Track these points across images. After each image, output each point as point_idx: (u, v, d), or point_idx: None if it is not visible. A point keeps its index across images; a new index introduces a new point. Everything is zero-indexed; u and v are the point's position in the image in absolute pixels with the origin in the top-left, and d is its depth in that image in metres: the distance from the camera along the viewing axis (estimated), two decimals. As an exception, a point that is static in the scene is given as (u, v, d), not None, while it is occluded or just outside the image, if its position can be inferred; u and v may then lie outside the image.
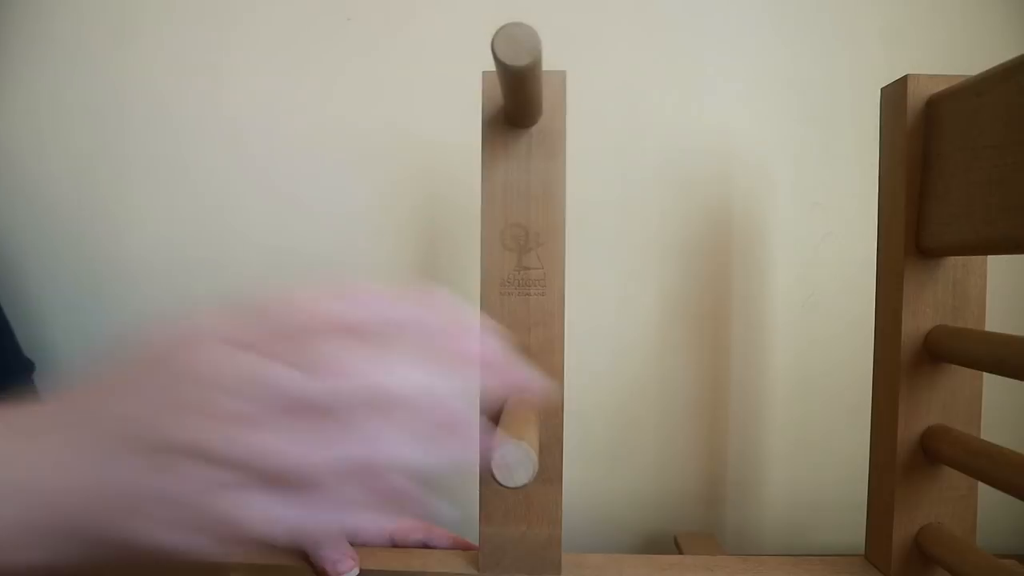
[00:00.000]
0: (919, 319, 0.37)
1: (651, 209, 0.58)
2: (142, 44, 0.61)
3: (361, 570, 0.40)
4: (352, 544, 0.37)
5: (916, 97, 0.36)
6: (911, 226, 0.36)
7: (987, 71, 0.31)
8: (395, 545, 0.41)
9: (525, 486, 0.28)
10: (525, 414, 0.34)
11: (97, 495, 0.18)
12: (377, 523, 0.19)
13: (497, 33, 0.25)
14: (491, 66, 0.28)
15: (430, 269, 0.60)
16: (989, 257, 0.36)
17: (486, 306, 0.38)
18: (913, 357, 0.37)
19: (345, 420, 0.17)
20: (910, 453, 0.37)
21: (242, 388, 0.18)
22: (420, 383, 0.18)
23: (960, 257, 0.36)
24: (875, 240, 0.40)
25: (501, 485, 0.28)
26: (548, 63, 0.31)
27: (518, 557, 0.39)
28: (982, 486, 0.35)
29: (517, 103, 0.33)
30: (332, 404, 0.17)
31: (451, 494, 0.65)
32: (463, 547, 0.41)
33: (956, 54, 0.56)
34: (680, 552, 0.53)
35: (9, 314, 0.61)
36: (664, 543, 0.60)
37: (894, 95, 0.37)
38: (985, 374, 0.36)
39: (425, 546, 0.42)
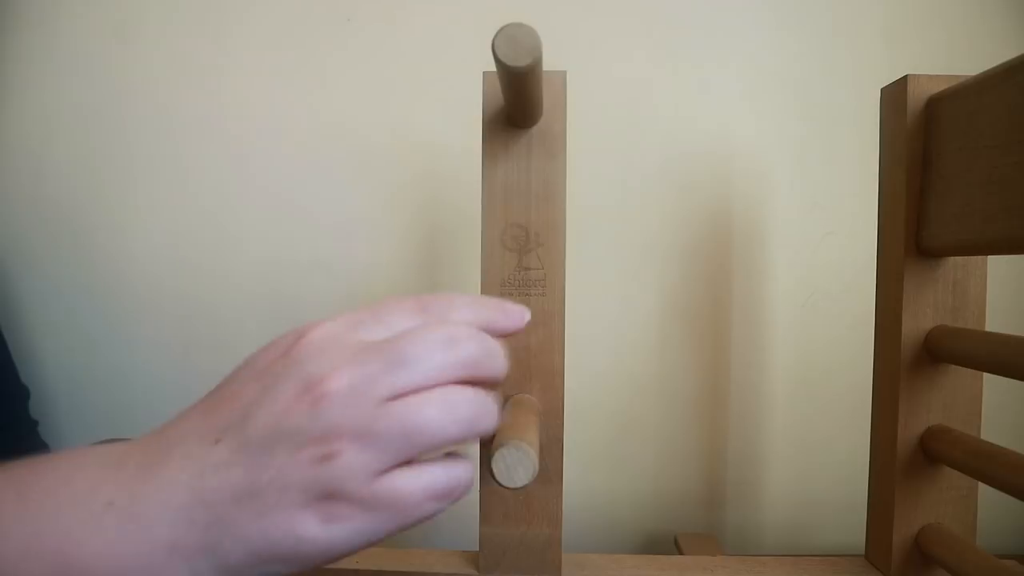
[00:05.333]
0: (919, 319, 0.37)
1: (651, 209, 0.58)
2: (143, 46, 0.61)
3: (361, 570, 0.40)
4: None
5: (916, 97, 0.36)
6: (911, 226, 0.36)
7: (987, 71, 0.31)
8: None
9: (525, 487, 0.28)
10: (525, 415, 0.34)
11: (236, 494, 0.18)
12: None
13: (498, 34, 0.25)
14: (492, 66, 0.28)
15: (431, 270, 0.60)
16: (989, 257, 0.36)
17: (486, 306, 0.38)
18: (913, 357, 0.37)
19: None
20: (910, 453, 0.37)
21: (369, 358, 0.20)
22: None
23: (960, 257, 0.36)
24: (875, 240, 0.40)
25: (501, 486, 0.28)
26: (548, 63, 0.31)
27: (518, 557, 0.39)
28: (982, 486, 0.35)
29: (517, 103, 0.33)
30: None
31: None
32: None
33: (956, 54, 0.56)
34: (680, 552, 0.53)
35: (8, 316, 0.62)
36: (664, 543, 0.60)
37: (894, 95, 0.37)
38: (985, 374, 0.36)
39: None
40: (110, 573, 0.17)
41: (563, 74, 0.37)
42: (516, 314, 0.24)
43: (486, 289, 0.38)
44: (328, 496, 0.18)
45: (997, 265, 0.37)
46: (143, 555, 0.18)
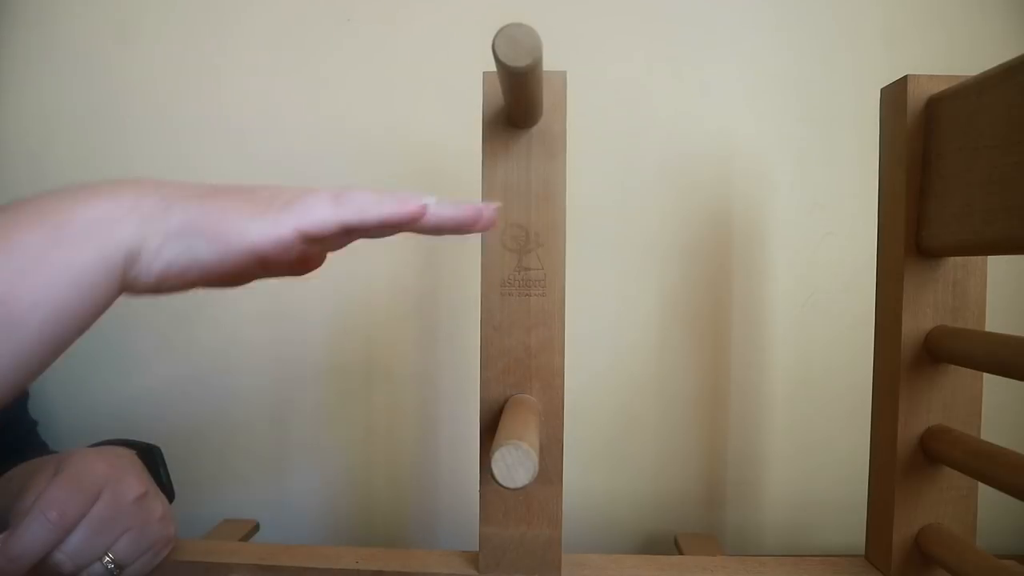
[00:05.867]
0: (919, 319, 0.37)
1: (651, 209, 0.58)
2: (144, 46, 0.61)
3: (361, 571, 0.40)
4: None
5: (916, 97, 0.36)
6: (911, 226, 0.36)
7: (987, 71, 0.31)
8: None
9: (525, 487, 0.28)
10: (525, 415, 0.34)
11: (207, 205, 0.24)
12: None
13: (498, 34, 0.25)
14: (492, 66, 0.28)
15: (430, 269, 0.60)
16: (989, 257, 0.36)
17: (486, 306, 0.38)
18: (913, 357, 0.37)
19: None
20: (910, 453, 0.37)
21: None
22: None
23: (960, 257, 0.36)
24: (875, 240, 0.40)
25: (501, 486, 0.28)
26: (548, 63, 0.31)
27: (518, 557, 0.39)
28: (982, 486, 0.35)
29: (518, 103, 0.33)
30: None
31: (451, 494, 0.65)
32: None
33: (956, 54, 0.56)
34: (680, 552, 0.53)
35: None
36: (664, 543, 0.60)
37: (894, 95, 0.37)
38: (985, 374, 0.36)
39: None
40: (85, 216, 0.22)
41: (563, 74, 0.37)
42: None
43: (486, 289, 0.38)
44: (277, 210, 0.24)
45: (997, 265, 0.37)
46: (110, 208, 0.23)
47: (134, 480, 0.38)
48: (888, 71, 0.39)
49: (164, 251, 0.23)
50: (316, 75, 0.60)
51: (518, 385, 0.38)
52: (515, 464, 0.28)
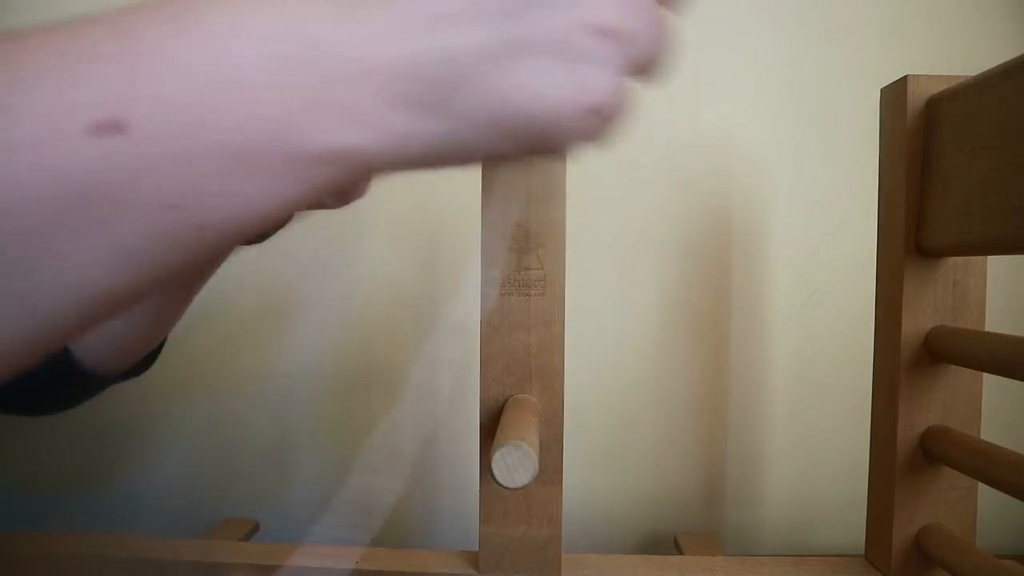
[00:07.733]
0: (919, 319, 0.37)
1: (651, 209, 0.58)
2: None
3: (361, 571, 0.40)
4: None
5: (916, 97, 0.36)
6: (911, 226, 0.36)
7: (987, 71, 0.31)
8: None
9: (525, 486, 0.28)
10: (525, 415, 0.34)
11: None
12: None
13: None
14: (491, 66, 0.28)
15: (430, 269, 0.60)
16: (989, 257, 0.36)
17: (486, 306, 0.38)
18: (913, 357, 0.37)
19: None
20: (910, 453, 0.37)
21: None
22: None
23: (960, 257, 0.36)
24: (875, 240, 0.40)
25: (501, 485, 0.28)
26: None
27: (518, 557, 0.39)
28: (982, 486, 0.35)
29: (517, 103, 0.33)
30: None
31: (451, 494, 0.65)
32: None
33: (956, 54, 0.56)
34: (680, 552, 0.53)
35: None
36: (664, 543, 0.60)
37: (894, 95, 0.37)
38: (985, 374, 0.36)
39: None
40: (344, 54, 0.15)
41: (563, 74, 0.37)
42: None
43: (486, 289, 0.38)
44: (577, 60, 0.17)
45: (997, 265, 0.37)
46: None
47: None
48: (887, 71, 0.39)
49: None
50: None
51: (518, 385, 0.38)
52: (515, 464, 0.28)
